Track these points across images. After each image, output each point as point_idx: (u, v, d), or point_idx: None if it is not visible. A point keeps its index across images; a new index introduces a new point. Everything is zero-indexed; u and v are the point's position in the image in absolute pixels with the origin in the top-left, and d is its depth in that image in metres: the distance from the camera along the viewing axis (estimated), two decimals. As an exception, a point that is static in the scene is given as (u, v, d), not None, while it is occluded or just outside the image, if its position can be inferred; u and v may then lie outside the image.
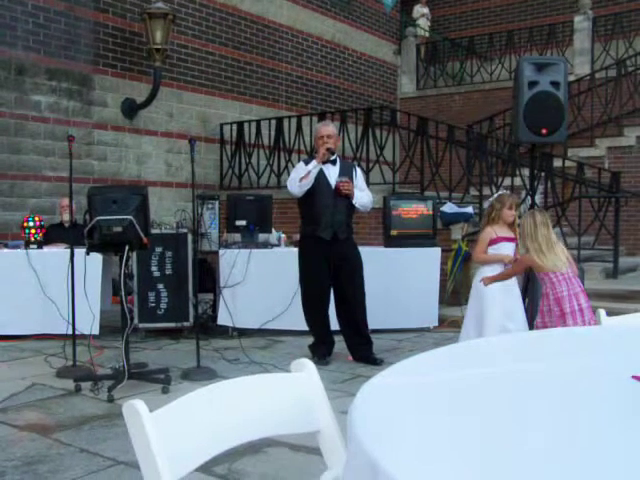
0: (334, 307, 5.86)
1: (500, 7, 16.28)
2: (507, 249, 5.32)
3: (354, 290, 5.74)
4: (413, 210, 7.36)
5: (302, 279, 5.85)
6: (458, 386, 1.45)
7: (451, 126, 9.74)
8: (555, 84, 5.94)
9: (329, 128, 5.81)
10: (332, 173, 5.70)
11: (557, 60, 6.29)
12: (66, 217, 7.27)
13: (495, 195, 5.56)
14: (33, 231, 6.69)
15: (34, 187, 8.69)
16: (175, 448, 1.27)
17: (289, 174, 6.06)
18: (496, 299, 5.17)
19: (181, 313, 6.84)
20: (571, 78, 10.72)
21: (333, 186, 5.65)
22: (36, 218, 6.78)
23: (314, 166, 5.60)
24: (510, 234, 5.33)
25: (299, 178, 5.59)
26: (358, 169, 6.08)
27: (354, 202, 5.70)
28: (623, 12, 13.42)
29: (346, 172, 5.77)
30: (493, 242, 5.30)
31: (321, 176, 5.63)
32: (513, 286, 5.29)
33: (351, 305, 5.76)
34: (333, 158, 5.72)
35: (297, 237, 6.31)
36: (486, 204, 5.48)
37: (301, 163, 5.89)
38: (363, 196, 5.79)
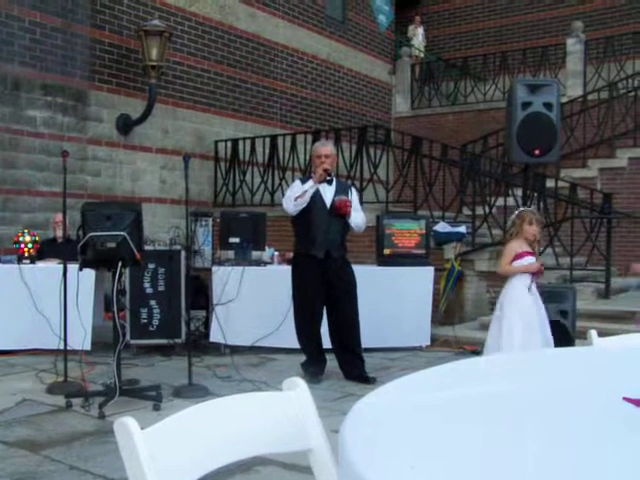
0: (327, 326, 5.85)
1: (494, 29, 16.44)
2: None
3: (347, 309, 5.73)
4: (406, 229, 7.38)
5: (295, 297, 5.85)
6: (450, 406, 1.45)
7: (445, 145, 9.79)
8: (548, 105, 6.00)
9: (327, 148, 5.82)
10: (327, 192, 5.71)
11: (550, 82, 6.36)
12: (60, 233, 7.26)
13: (516, 212, 5.60)
14: (26, 246, 6.68)
15: (28, 202, 8.68)
16: (166, 466, 1.27)
17: (283, 192, 6.07)
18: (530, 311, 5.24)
19: (173, 330, 6.82)
20: (564, 100, 10.80)
21: (328, 205, 5.67)
22: (29, 233, 6.77)
23: (311, 186, 5.62)
24: (529, 249, 5.38)
25: (295, 197, 5.60)
26: (353, 189, 6.11)
27: (349, 221, 5.71)
28: (615, 35, 13.57)
29: (342, 192, 5.78)
30: (518, 256, 5.34)
31: (316, 195, 5.64)
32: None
33: (344, 324, 5.75)
34: (329, 178, 5.73)
35: (290, 255, 6.32)
36: (509, 222, 5.56)
37: (297, 181, 5.90)
38: (357, 217, 5.80)
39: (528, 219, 5.35)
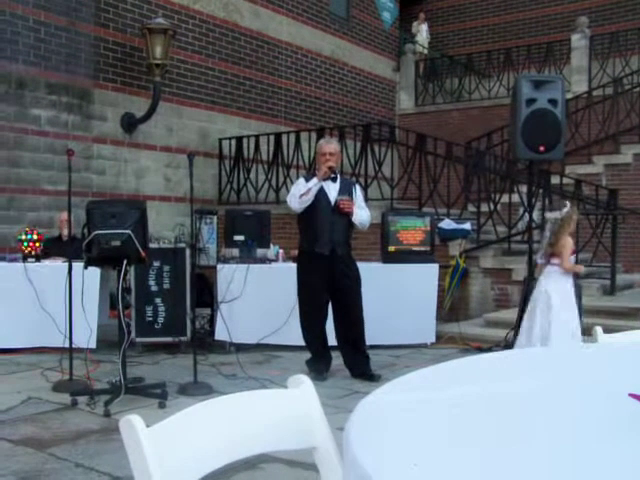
0: (332, 323, 5.85)
1: (499, 25, 16.40)
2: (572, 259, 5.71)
3: (352, 305, 5.74)
4: (411, 226, 7.37)
5: (300, 294, 5.85)
6: (456, 403, 1.45)
7: (449, 142, 9.77)
8: (553, 102, 5.98)
9: (332, 146, 5.81)
10: (332, 190, 5.71)
11: (555, 78, 6.34)
12: (66, 232, 7.26)
13: (566, 207, 5.65)
14: (30, 244, 6.68)
15: (33, 201, 8.70)
16: (171, 464, 1.27)
17: (288, 189, 6.07)
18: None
19: (178, 328, 6.83)
20: (569, 96, 10.77)
21: (333, 203, 5.67)
22: (34, 232, 6.78)
23: (315, 183, 5.62)
24: None
25: (299, 194, 5.60)
26: (358, 186, 6.10)
27: (353, 219, 5.71)
28: (619, 31, 13.51)
29: (346, 189, 5.78)
30: (572, 252, 5.53)
31: (321, 193, 5.64)
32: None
33: (349, 320, 5.75)
34: (334, 175, 5.73)
35: (295, 252, 6.32)
36: (551, 214, 5.65)
37: (301, 179, 5.89)
38: (362, 214, 5.79)
39: (575, 216, 5.54)
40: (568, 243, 5.54)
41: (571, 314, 5.48)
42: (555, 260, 5.57)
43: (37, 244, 6.69)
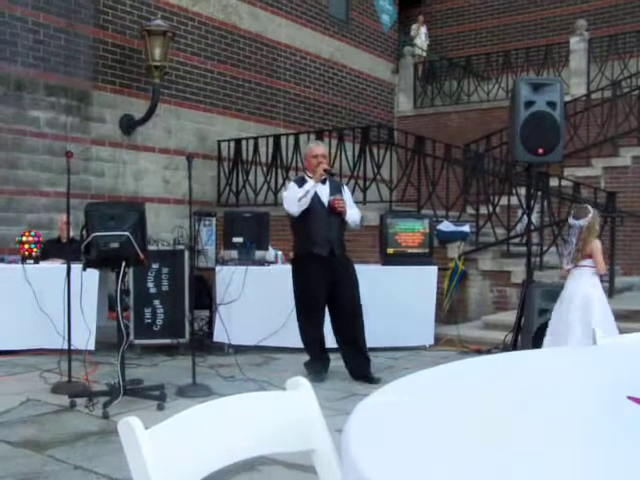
0: (330, 324, 5.86)
1: (497, 27, 16.42)
2: None
3: (352, 303, 5.77)
4: (410, 228, 7.37)
5: (299, 297, 5.85)
6: (454, 405, 1.45)
7: (448, 145, 9.78)
8: (551, 104, 5.98)
9: (321, 148, 5.97)
10: (323, 191, 5.79)
11: (553, 80, 6.34)
12: (65, 233, 7.25)
13: (590, 213, 5.74)
14: (29, 246, 6.68)
15: (31, 202, 8.69)
16: (170, 466, 1.27)
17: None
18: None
19: (177, 329, 6.82)
20: (567, 98, 10.78)
21: (326, 204, 5.73)
22: (33, 233, 6.77)
23: (312, 186, 5.68)
24: None
25: (298, 198, 5.64)
26: (345, 187, 6.22)
27: (346, 218, 5.78)
28: (618, 34, 13.54)
29: (336, 190, 5.88)
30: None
31: (314, 195, 5.72)
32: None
33: (349, 319, 5.77)
34: (324, 177, 5.80)
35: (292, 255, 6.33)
36: (577, 222, 5.73)
37: (292, 184, 5.93)
38: (354, 213, 5.89)
39: (599, 219, 5.67)
40: (599, 247, 5.72)
41: (609, 312, 5.68)
42: (585, 262, 5.70)
43: (35, 249, 6.69)
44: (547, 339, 5.73)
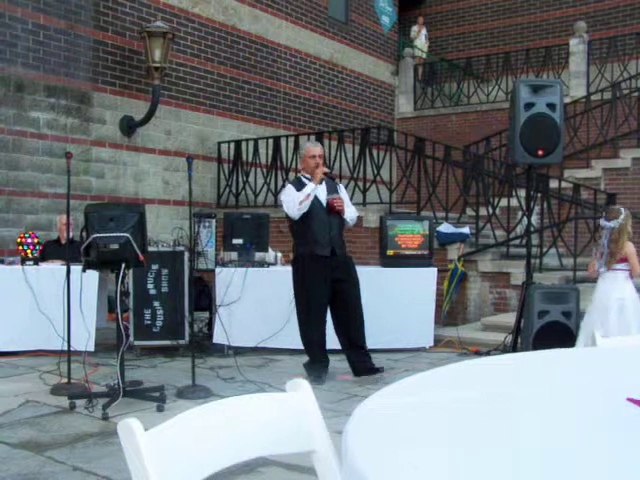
0: (332, 325, 5.87)
1: (497, 29, 16.43)
2: None
3: (354, 303, 5.81)
4: (410, 230, 7.37)
5: (300, 298, 5.85)
6: (454, 407, 1.45)
7: (448, 146, 9.78)
8: (551, 106, 5.99)
9: (319, 148, 5.98)
10: (321, 192, 5.83)
11: (553, 82, 6.34)
12: (65, 234, 7.25)
13: (623, 212, 5.75)
14: (29, 247, 6.68)
15: (31, 203, 8.69)
16: (169, 467, 1.27)
17: (287, 193, 6.11)
18: None
19: (177, 331, 6.82)
20: (567, 100, 10.79)
21: (324, 204, 5.76)
22: (28, 235, 6.77)
23: (312, 189, 5.71)
24: None
25: (299, 201, 5.64)
26: (341, 186, 6.23)
27: (345, 217, 5.84)
28: (617, 36, 13.55)
29: (332, 189, 5.91)
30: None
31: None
32: None
33: (352, 318, 5.80)
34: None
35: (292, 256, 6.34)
36: (608, 223, 5.76)
37: (290, 186, 5.94)
38: (351, 211, 5.97)
39: (631, 221, 5.69)
40: (634, 249, 5.76)
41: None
42: (619, 265, 5.74)
43: (29, 251, 6.68)
44: (581, 339, 5.76)
